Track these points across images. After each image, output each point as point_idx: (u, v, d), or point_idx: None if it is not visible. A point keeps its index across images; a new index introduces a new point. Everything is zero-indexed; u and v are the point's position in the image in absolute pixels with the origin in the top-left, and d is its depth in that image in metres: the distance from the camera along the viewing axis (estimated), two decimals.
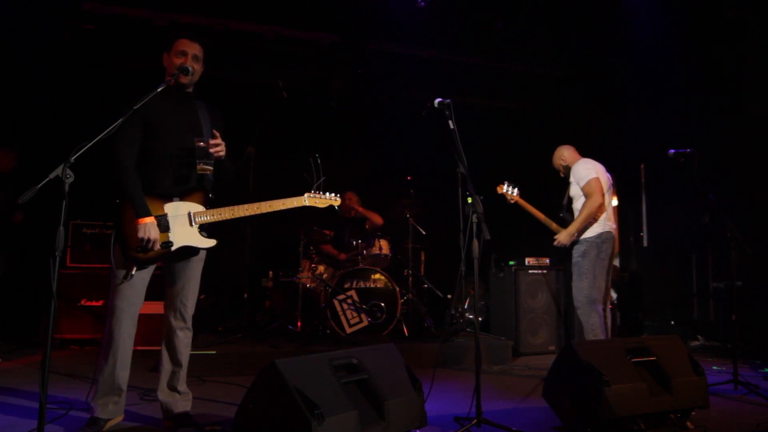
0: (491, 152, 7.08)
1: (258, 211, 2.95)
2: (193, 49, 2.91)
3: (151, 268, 2.84)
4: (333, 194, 3.26)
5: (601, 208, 4.23)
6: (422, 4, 5.74)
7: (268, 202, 2.98)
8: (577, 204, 4.39)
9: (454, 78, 6.77)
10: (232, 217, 2.90)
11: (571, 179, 4.43)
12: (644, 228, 7.14)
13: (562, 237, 4.29)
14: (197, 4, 5.71)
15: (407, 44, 6.40)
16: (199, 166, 2.80)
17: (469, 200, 3.08)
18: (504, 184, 4.56)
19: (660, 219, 6.90)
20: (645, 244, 7.12)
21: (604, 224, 4.26)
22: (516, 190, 4.55)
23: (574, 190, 4.41)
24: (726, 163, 5.76)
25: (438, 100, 3.18)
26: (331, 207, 6.35)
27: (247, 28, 6.01)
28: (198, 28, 5.76)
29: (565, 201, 4.54)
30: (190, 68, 2.83)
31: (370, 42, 6.29)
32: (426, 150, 6.46)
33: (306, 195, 3.17)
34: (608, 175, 4.46)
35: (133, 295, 2.79)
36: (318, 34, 6.20)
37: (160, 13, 5.69)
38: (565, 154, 4.56)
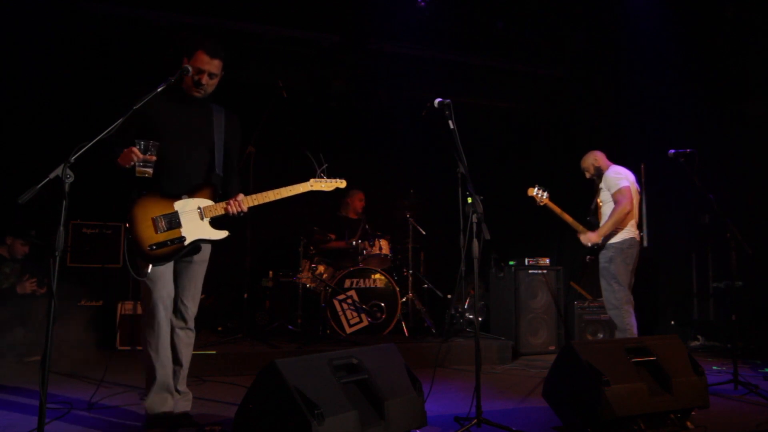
0: (491, 152, 7.09)
1: (266, 200, 2.97)
2: (212, 67, 2.88)
3: (170, 266, 2.87)
4: (338, 178, 3.24)
5: (629, 215, 4.33)
6: (422, 4, 5.74)
7: (275, 191, 2.99)
8: (606, 209, 4.46)
9: (454, 78, 6.77)
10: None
11: (602, 185, 4.50)
12: (644, 228, 7.13)
13: (593, 237, 4.37)
14: (197, 4, 5.71)
15: (407, 44, 6.40)
16: (138, 169, 2.71)
17: (469, 200, 3.08)
18: (535, 187, 4.61)
19: (660, 219, 6.89)
20: (645, 244, 7.11)
21: (630, 231, 4.35)
22: (546, 193, 4.60)
23: (604, 196, 4.48)
24: (726, 163, 5.76)
25: (438, 100, 3.18)
26: (337, 205, 6.34)
27: (247, 28, 6.01)
28: (198, 28, 5.76)
29: (593, 206, 4.60)
30: (205, 84, 2.87)
31: (370, 42, 6.28)
32: (426, 150, 6.45)
33: (311, 180, 3.15)
34: (637, 184, 4.54)
35: (164, 289, 2.83)
36: (318, 34, 6.20)
37: (161, 13, 5.68)
38: (599, 157, 4.63)
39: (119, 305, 5.24)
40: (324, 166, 3.16)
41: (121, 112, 2.57)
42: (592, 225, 4.51)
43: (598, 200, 4.54)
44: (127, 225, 2.75)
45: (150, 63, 5.70)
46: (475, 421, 2.86)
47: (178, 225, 2.81)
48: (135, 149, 2.68)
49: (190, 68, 2.81)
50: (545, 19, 6.17)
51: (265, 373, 2.27)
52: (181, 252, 2.84)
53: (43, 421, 2.04)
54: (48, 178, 2.17)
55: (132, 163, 2.68)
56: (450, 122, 3.13)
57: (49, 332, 2.09)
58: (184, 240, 2.82)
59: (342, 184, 3.26)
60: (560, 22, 6.23)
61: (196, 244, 2.87)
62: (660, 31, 5.91)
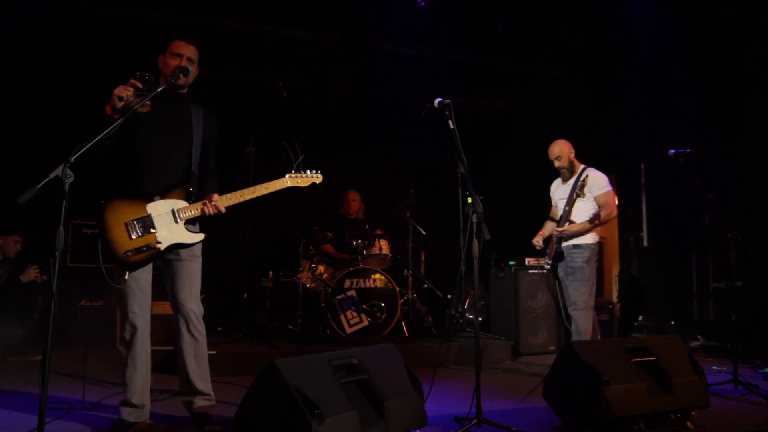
0: (491, 152, 7.08)
1: (242, 199, 2.89)
2: (188, 51, 2.89)
3: (149, 269, 2.84)
4: (313, 171, 3.12)
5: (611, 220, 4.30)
6: (422, 4, 5.74)
7: (251, 189, 2.91)
8: (579, 208, 4.30)
9: (454, 78, 6.77)
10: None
11: (585, 184, 4.30)
12: (644, 228, 7.14)
13: (572, 229, 4.21)
14: (197, 4, 5.71)
15: (407, 44, 6.40)
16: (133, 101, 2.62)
17: (469, 200, 3.08)
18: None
19: (660, 219, 6.88)
20: (645, 244, 7.12)
21: (598, 233, 4.34)
22: None
23: (584, 194, 4.31)
24: (726, 163, 5.76)
25: (438, 100, 3.17)
26: (337, 209, 6.32)
27: (247, 28, 6.01)
28: (198, 28, 5.76)
29: (565, 204, 4.40)
30: (189, 69, 2.83)
31: (370, 42, 6.28)
32: (426, 150, 6.45)
33: (287, 176, 3.06)
34: None
35: (141, 296, 2.81)
36: (318, 34, 6.20)
37: (160, 13, 5.68)
38: (573, 150, 4.48)
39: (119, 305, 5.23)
40: (299, 159, 3.05)
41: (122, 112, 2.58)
42: (561, 223, 4.37)
43: (574, 197, 4.34)
44: (99, 231, 2.72)
45: (150, 63, 5.69)
46: (475, 421, 2.86)
47: (153, 229, 2.75)
48: (133, 80, 2.63)
49: (169, 59, 2.85)
50: (545, 19, 6.17)
51: (265, 373, 2.27)
52: (157, 257, 2.79)
53: (43, 421, 2.04)
54: (48, 178, 2.17)
55: (130, 92, 2.59)
56: (450, 122, 3.13)
57: (50, 332, 2.09)
58: (160, 245, 2.75)
59: (318, 179, 3.13)
60: (560, 22, 6.23)
61: (172, 248, 2.81)
62: (660, 31, 5.91)
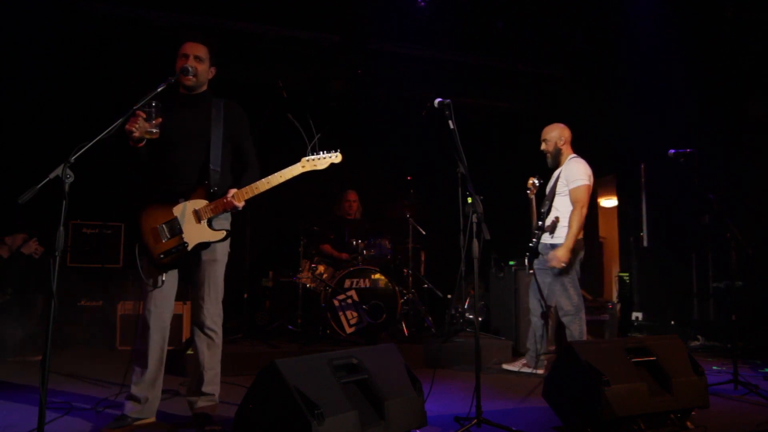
0: (491, 152, 7.09)
1: (258, 191, 2.87)
2: (195, 50, 2.91)
3: (176, 273, 2.94)
4: (331, 151, 2.94)
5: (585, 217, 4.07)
6: (422, 4, 5.74)
7: (266, 179, 2.88)
8: (560, 203, 4.18)
9: (454, 78, 6.77)
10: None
11: (561, 174, 4.22)
12: (644, 228, 7.14)
13: (563, 256, 3.97)
14: (197, 4, 5.71)
15: (407, 44, 6.40)
16: (146, 131, 2.72)
17: (469, 200, 3.07)
18: (535, 177, 4.31)
19: (660, 219, 6.88)
20: (645, 244, 7.11)
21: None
22: (537, 187, 4.31)
23: (560, 187, 4.20)
24: (726, 163, 5.76)
25: (438, 100, 3.18)
26: (335, 205, 6.32)
27: (247, 28, 6.01)
28: (198, 28, 5.76)
29: (545, 198, 4.33)
30: (190, 68, 2.84)
31: (370, 42, 6.29)
32: (426, 150, 6.45)
33: (303, 159, 2.92)
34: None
35: (162, 298, 2.89)
36: (318, 34, 6.20)
37: (161, 13, 5.69)
38: (567, 138, 4.26)
39: (119, 305, 5.24)
40: (315, 139, 2.94)
41: (121, 112, 2.59)
42: (543, 217, 4.26)
43: (555, 191, 4.23)
44: (136, 236, 2.86)
45: (150, 63, 5.70)
46: (475, 421, 2.86)
47: (180, 231, 2.84)
48: (139, 112, 2.68)
49: (178, 61, 2.89)
50: (545, 19, 6.17)
51: (265, 373, 2.27)
52: (186, 257, 2.88)
53: (43, 421, 2.04)
54: (48, 178, 2.18)
55: (138, 125, 2.66)
56: (450, 122, 3.13)
57: (50, 332, 2.09)
58: (187, 245, 2.84)
59: (337, 158, 2.93)
60: (560, 22, 6.23)
61: (199, 248, 2.89)
62: (660, 31, 5.91)
